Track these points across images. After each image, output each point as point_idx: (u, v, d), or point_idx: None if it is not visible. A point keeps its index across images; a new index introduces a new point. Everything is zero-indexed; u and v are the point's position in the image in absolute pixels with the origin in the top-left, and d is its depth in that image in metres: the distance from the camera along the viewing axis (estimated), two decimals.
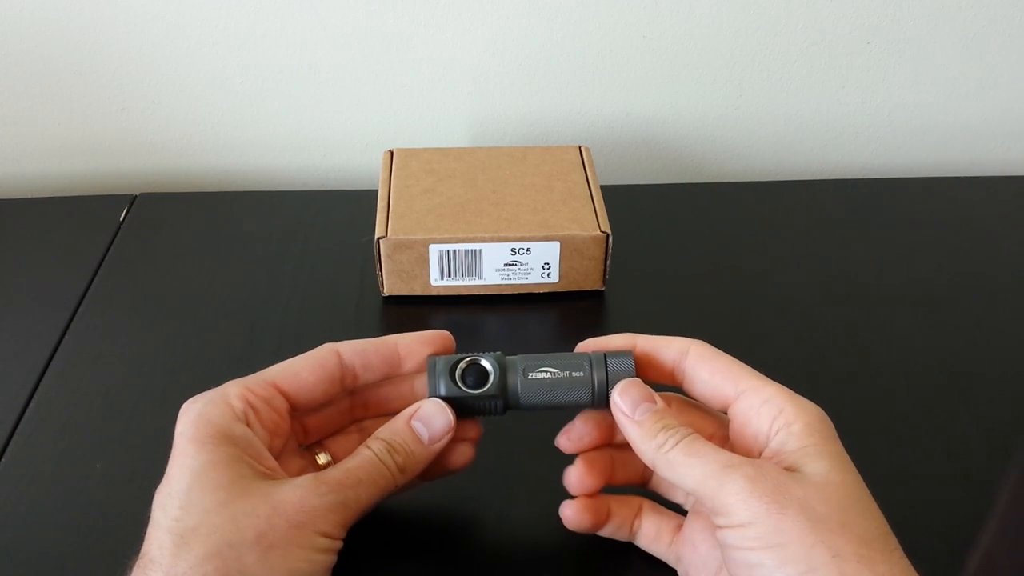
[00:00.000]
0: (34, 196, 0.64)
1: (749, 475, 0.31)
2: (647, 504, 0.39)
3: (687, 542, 0.37)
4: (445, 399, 0.37)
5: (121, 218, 0.61)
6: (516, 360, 0.38)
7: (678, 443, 0.33)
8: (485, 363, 0.37)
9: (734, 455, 0.33)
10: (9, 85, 0.65)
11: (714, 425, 0.38)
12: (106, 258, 0.58)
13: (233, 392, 0.35)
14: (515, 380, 0.37)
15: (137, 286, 0.56)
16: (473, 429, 0.39)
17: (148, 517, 0.32)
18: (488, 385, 0.37)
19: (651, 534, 0.38)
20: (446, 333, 0.39)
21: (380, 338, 0.38)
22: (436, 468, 0.38)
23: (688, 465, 0.33)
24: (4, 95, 0.65)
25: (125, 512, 0.41)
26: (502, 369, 0.37)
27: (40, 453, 0.45)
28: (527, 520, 0.41)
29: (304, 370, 0.37)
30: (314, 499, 0.32)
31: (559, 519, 0.39)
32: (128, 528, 0.40)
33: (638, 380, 0.36)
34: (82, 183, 0.69)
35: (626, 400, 0.35)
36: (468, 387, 0.37)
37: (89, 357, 0.50)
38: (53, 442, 0.45)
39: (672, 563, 0.38)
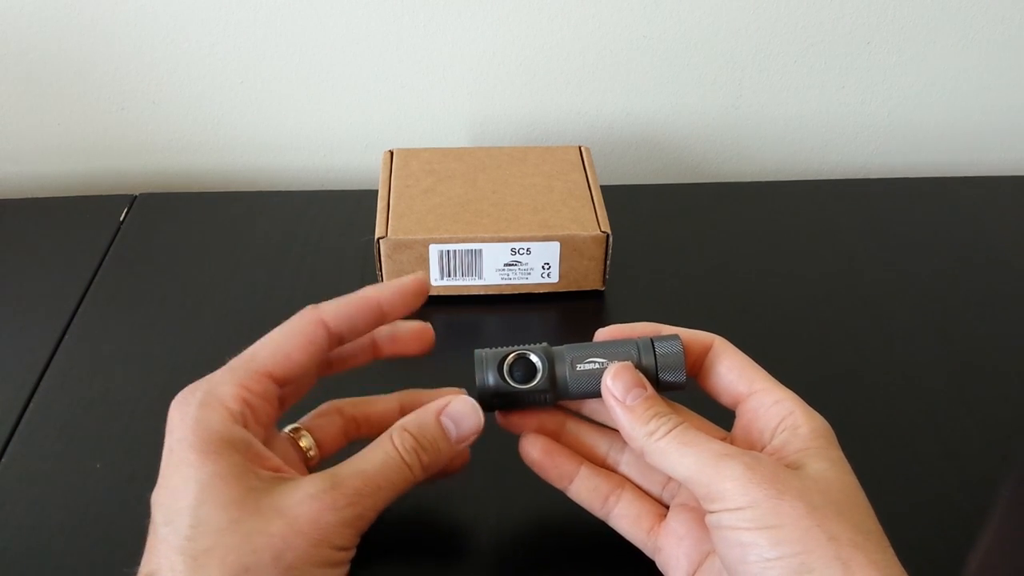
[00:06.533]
0: (34, 196, 0.64)
1: (746, 463, 0.31)
2: (631, 485, 0.39)
3: (671, 534, 0.37)
4: (494, 392, 0.37)
5: (121, 218, 0.61)
6: (563, 351, 0.37)
7: (670, 431, 0.34)
8: (534, 358, 0.37)
9: (728, 445, 0.33)
10: (9, 85, 0.65)
11: (706, 427, 0.38)
12: (106, 258, 0.58)
13: (228, 393, 0.33)
14: (563, 372, 0.37)
15: (137, 286, 0.56)
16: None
17: (146, 524, 0.32)
18: (537, 380, 0.36)
19: (631, 516, 0.38)
20: (421, 275, 0.38)
21: (360, 296, 0.37)
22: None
23: (681, 454, 0.33)
24: (4, 95, 0.65)
25: (125, 512, 0.41)
26: (550, 362, 0.37)
27: (40, 453, 0.45)
28: (528, 520, 0.41)
29: (295, 350, 0.35)
30: (330, 515, 0.31)
31: (559, 520, 0.38)
32: (127, 528, 0.40)
33: (630, 365, 0.36)
34: (82, 183, 0.69)
35: (618, 384, 0.35)
36: (516, 381, 0.37)
37: (89, 357, 0.50)
38: (53, 442, 0.45)
39: (649, 552, 0.38)
